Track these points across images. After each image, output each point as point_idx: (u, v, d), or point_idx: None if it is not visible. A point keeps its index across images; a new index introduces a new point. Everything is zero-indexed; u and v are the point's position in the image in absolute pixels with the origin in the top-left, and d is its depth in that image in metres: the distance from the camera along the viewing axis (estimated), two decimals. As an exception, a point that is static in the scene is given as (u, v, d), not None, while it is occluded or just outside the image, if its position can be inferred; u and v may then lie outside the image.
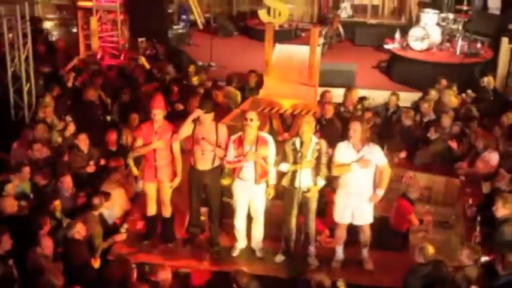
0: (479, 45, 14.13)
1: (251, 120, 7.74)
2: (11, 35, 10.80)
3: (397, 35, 14.82)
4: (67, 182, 8.66)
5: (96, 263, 7.58)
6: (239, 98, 12.01)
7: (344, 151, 7.59)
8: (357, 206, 7.72)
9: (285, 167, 7.80)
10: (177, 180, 8.25)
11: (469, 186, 9.45)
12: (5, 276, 6.66)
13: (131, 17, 14.61)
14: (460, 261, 6.95)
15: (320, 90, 11.38)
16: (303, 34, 15.90)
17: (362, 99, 11.96)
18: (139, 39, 14.43)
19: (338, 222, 7.92)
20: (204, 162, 8.03)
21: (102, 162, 9.64)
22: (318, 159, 7.71)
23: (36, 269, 6.73)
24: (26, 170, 8.68)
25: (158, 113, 8.04)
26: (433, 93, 11.91)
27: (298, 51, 11.86)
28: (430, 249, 6.91)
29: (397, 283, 7.16)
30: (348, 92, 11.91)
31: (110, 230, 8.35)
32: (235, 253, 8.26)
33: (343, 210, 7.79)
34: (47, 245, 7.11)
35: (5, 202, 7.87)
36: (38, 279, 6.50)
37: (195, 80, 12.61)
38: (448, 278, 6.71)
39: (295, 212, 7.93)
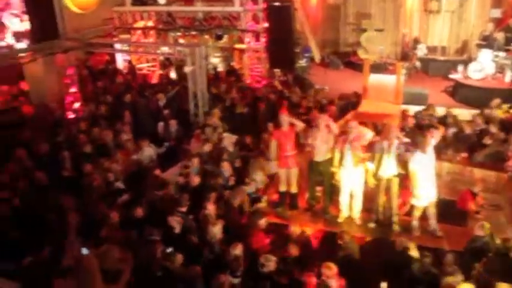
0: (524, 75, 13.11)
1: (352, 127, 7.69)
2: (192, 67, 11.11)
3: (460, 68, 14.04)
4: (225, 166, 8.76)
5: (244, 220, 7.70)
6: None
7: (417, 158, 7.29)
8: (428, 189, 7.39)
9: (371, 166, 7.69)
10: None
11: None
12: (187, 226, 6.94)
13: (270, 54, 14.68)
14: (507, 234, 6.56)
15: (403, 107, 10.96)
16: (390, 67, 15.36)
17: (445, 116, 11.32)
18: (275, 70, 14.50)
19: (416, 205, 7.58)
20: (319, 156, 7.99)
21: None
22: (400, 155, 7.48)
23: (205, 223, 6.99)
24: (195, 160, 8.87)
25: (283, 117, 8.08)
26: (487, 110, 11.20)
27: (387, 79, 11.54)
28: (487, 226, 6.55)
29: (457, 247, 6.81)
30: (427, 108, 11.48)
31: (255, 199, 8.43)
32: (340, 219, 8.13)
33: (421, 195, 7.43)
34: (211, 209, 7.31)
35: (192, 179, 8.17)
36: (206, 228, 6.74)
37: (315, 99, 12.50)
38: (498, 246, 6.32)
39: (382, 192, 7.75)
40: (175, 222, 6.79)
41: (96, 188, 8.04)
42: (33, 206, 7.62)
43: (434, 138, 7.49)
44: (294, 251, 6.31)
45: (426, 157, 7.29)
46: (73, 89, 12.40)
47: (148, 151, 9.66)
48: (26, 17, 11.92)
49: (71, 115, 11.92)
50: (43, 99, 12.16)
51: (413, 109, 11.51)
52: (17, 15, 13.08)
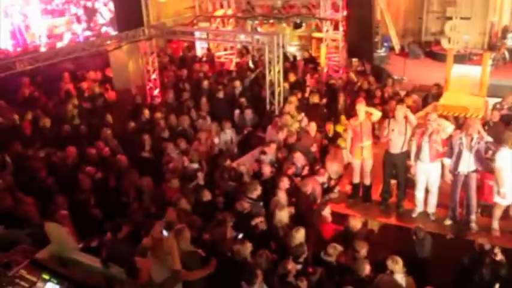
0: None
1: (431, 120, 7.42)
2: (270, 55, 11.13)
3: (555, 59, 13.15)
4: (298, 156, 8.69)
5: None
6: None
7: (504, 154, 6.90)
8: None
9: (447, 161, 7.42)
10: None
11: None
12: (256, 213, 7.02)
13: (348, 43, 14.46)
14: None
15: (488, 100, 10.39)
16: (475, 57, 14.64)
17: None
18: (353, 59, 14.28)
19: (499, 204, 7.20)
20: (395, 148, 7.79)
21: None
22: (479, 151, 7.11)
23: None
24: (273, 145, 8.96)
25: (359, 107, 7.95)
26: None
27: (471, 70, 11.02)
28: None
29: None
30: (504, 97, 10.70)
31: (327, 189, 8.39)
32: (415, 215, 7.90)
33: (506, 194, 7.01)
34: (282, 197, 7.34)
35: (264, 168, 8.19)
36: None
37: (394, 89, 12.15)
38: None
39: (458, 189, 7.44)
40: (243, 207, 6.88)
41: (172, 169, 8.33)
42: (113, 185, 8.07)
43: None
44: (361, 247, 6.20)
45: None
46: (153, 76, 12.89)
47: (229, 134, 9.98)
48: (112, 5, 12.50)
49: (151, 101, 12.40)
50: (126, 86, 12.74)
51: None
52: (104, 4, 13.78)
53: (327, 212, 7.24)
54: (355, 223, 6.84)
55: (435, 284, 5.70)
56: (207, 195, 7.33)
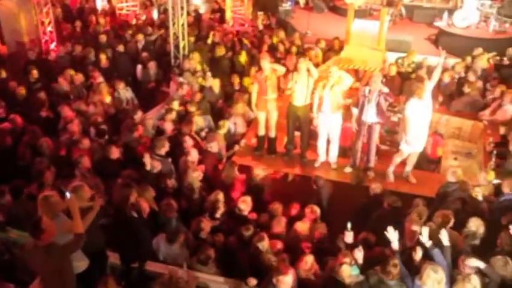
0: (507, 25, 13.12)
1: (333, 72, 7.68)
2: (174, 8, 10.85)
3: (445, 15, 13.97)
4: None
5: (221, 166, 7.80)
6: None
7: (412, 104, 7.17)
8: (417, 137, 7.39)
9: (355, 111, 7.70)
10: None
11: (490, 129, 8.97)
12: (166, 170, 6.96)
13: (254, -4, 14.48)
14: (478, 181, 6.74)
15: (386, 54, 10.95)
16: (375, 13, 15.23)
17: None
18: (259, 13, 14.30)
19: (402, 151, 7.62)
20: (298, 100, 7.99)
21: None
22: (379, 104, 7.46)
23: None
24: (176, 102, 8.83)
25: (264, 62, 8.00)
26: (468, 59, 11.18)
27: (371, 25, 11.46)
28: (459, 172, 6.67)
29: (429, 193, 6.98)
30: (407, 55, 11.36)
31: (233, 142, 8.49)
32: (317, 164, 8.26)
33: (411, 142, 7.39)
34: (194, 155, 7.34)
35: (166, 125, 8.05)
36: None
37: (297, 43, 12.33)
38: (469, 193, 6.49)
39: (361, 138, 7.81)
40: (148, 160, 6.79)
41: (71, 130, 7.98)
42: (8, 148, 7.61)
43: (430, 83, 7.11)
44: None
45: (422, 104, 7.11)
46: (49, 28, 12.11)
47: (124, 94, 9.55)
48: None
49: (46, 55, 11.67)
50: (17, 38, 11.87)
51: (395, 56, 11.53)
52: None
53: (236, 173, 7.34)
54: (259, 172, 7.13)
55: (336, 227, 6.07)
56: (114, 153, 7.13)
